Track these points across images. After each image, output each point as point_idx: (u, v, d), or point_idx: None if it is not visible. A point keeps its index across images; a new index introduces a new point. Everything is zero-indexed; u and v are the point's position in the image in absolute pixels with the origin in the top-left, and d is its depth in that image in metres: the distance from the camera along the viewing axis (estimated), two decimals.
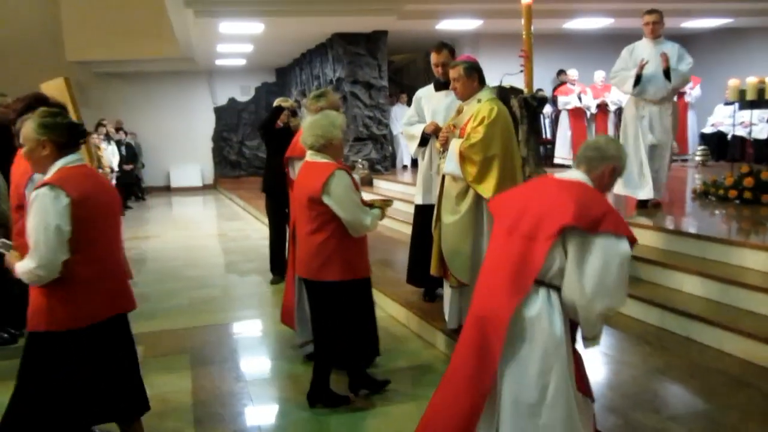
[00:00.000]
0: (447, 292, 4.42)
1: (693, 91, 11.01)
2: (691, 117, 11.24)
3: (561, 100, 11.05)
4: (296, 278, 4.31)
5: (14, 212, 3.66)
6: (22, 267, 2.63)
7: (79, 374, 2.71)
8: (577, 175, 2.50)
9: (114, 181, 12.13)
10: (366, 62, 11.38)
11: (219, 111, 17.82)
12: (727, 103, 10.36)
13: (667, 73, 5.86)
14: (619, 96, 10.81)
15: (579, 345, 2.53)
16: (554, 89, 11.59)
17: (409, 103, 5.64)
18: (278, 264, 6.77)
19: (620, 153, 2.53)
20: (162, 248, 9.24)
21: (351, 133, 11.19)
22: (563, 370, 2.32)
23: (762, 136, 9.39)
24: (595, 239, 2.26)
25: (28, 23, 14.94)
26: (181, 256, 8.61)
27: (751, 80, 6.96)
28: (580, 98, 10.97)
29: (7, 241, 2.88)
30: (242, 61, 15.48)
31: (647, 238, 5.30)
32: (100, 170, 3.67)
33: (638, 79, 5.89)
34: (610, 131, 11.05)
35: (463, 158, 4.01)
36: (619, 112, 10.99)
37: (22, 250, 2.69)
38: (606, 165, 2.48)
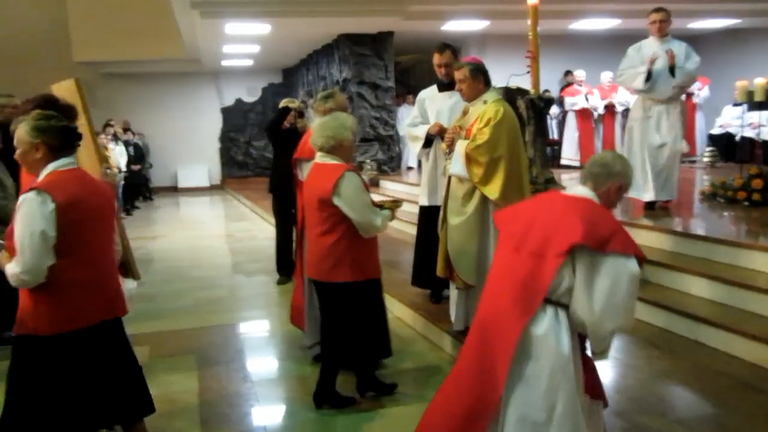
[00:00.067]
0: (453, 293, 4.41)
1: (701, 92, 10.96)
2: (699, 118, 11.19)
3: (568, 100, 11.02)
4: (305, 279, 4.32)
5: None
6: (9, 270, 2.62)
7: (69, 378, 2.68)
8: (583, 191, 2.48)
9: (122, 182, 12.19)
10: (372, 63, 11.38)
11: (226, 111, 17.87)
12: (735, 104, 10.33)
13: (672, 70, 5.82)
14: (626, 97, 10.77)
15: (589, 350, 2.52)
16: (561, 90, 11.57)
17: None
18: (284, 264, 6.78)
19: (627, 170, 2.51)
20: (169, 248, 9.27)
21: (358, 134, 11.19)
22: (571, 389, 2.30)
23: None
24: (604, 259, 2.26)
25: (36, 25, 15.00)
26: (188, 256, 8.63)
27: (760, 81, 6.93)
28: (587, 99, 10.94)
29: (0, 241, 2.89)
30: (249, 62, 15.52)
31: (654, 239, 5.28)
32: (109, 170, 3.65)
33: (650, 75, 5.83)
34: (617, 132, 11.01)
35: (469, 159, 4.00)
36: (627, 112, 10.95)
37: (12, 252, 2.67)
38: (612, 182, 2.47)
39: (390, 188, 10.27)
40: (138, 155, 14.46)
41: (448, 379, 2.57)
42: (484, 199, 4.08)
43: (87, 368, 2.72)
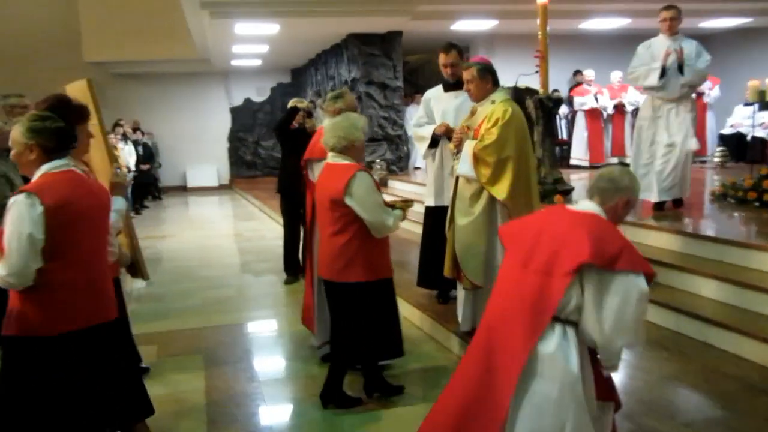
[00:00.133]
0: (460, 294, 4.40)
1: (712, 92, 10.88)
2: (710, 118, 11.11)
3: (577, 100, 10.97)
4: (316, 279, 4.32)
5: None
6: None
7: (57, 381, 2.63)
8: (590, 206, 2.46)
9: (131, 181, 12.24)
10: (381, 63, 11.38)
11: (235, 111, 17.92)
12: (746, 104, 10.24)
13: (681, 69, 5.75)
14: (636, 96, 10.71)
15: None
16: (570, 90, 11.51)
17: None
18: (292, 264, 6.79)
19: (634, 184, 2.49)
20: (178, 248, 9.30)
21: (366, 134, 11.19)
22: (580, 408, 2.27)
23: None
24: (612, 277, 2.24)
25: (46, 25, 15.09)
26: (197, 255, 8.66)
27: None
28: (596, 99, 10.89)
29: None
30: (258, 62, 15.55)
31: (664, 240, 5.24)
32: (119, 170, 3.65)
33: (664, 71, 5.74)
34: (627, 132, 10.95)
35: (477, 160, 3.99)
36: (636, 112, 10.89)
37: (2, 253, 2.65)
38: (620, 197, 2.45)
39: (398, 188, 10.26)
40: (147, 155, 14.52)
41: (451, 387, 2.54)
42: (492, 200, 4.06)
43: (76, 372, 2.67)
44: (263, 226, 11.00)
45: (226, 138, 17.96)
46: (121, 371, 2.89)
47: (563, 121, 11.53)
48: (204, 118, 17.59)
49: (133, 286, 6.25)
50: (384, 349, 3.87)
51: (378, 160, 11.06)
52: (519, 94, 6.60)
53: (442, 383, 3.98)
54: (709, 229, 5.53)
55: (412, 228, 7.86)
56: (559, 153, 10.77)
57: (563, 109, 11.07)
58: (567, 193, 6.85)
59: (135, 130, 14.66)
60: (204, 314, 5.86)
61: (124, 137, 12.99)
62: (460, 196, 4.21)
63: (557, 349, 2.28)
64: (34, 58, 14.93)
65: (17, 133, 2.71)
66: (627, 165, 10.52)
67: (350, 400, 3.79)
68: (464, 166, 4.06)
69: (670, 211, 6.00)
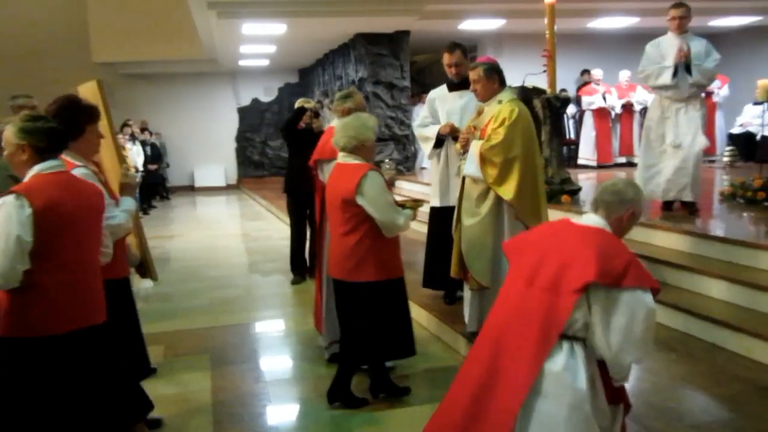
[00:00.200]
0: (467, 294, 4.39)
1: (721, 91, 10.82)
2: (719, 117, 11.05)
3: (585, 100, 10.93)
4: (325, 279, 4.31)
5: None
6: None
7: (44, 384, 2.60)
8: (595, 220, 2.44)
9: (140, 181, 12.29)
10: (388, 62, 11.37)
11: (242, 111, 17.96)
12: (755, 103, 10.16)
13: (689, 68, 5.63)
14: (644, 96, 10.66)
15: None
16: (578, 89, 11.47)
17: None
18: (299, 264, 6.80)
19: (639, 196, 2.47)
20: (185, 248, 9.33)
21: (376, 133, 11.18)
22: (590, 428, 2.26)
23: None
24: (619, 294, 2.23)
25: (56, 26, 15.18)
26: (204, 255, 8.68)
27: None
28: (604, 98, 10.85)
29: None
30: (265, 62, 15.58)
31: (672, 240, 5.21)
32: (129, 171, 3.65)
33: (676, 70, 5.62)
34: (635, 131, 10.90)
35: (484, 160, 3.97)
36: (645, 112, 10.84)
37: None
38: (625, 209, 2.43)
39: (406, 188, 10.25)
40: (155, 155, 14.57)
41: (455, 396, 2.51)
42: (499, 200, 4.05)
43: (63, 374, 2.63)
44: (270, 226, 11.02)
45: (234, 138, 18.00)
46: (112, 374, 2.85)
47: (571, 121, 11.49)
48: (212, 118, 17.63)
49: (140, 285, 6.27)
50: (396, 349, 3.87)
51: (387, 160, 11.04)
52: (526, 94, 6.57)
53: (449, 384, 3.99)
54: (717, 229, 5.49)
55: (418, 228, 7.84)
56: (566, 153, 10.72)
57: (571, 109, 11.02)
58: (574, 193, 6.82)
59: (143, 130, 14.71)
60: (211, 314, 5.87)
61: (132, 137, 13.04)
62: (467, 196, 4.20)
63: (565, 368, 2.26)
64: (43, 58, 15.02)
65: (9, 133, 2.70)
66: (635, 165, 10.49)
67: (357, 401, 3.79)
68: (471, 166, 4.05)
69: (679, 212, 5.92)
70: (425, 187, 9.19)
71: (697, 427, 3.17)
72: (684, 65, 5.63)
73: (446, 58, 4.94)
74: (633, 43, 10.61)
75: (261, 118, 17.99)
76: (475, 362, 2.48)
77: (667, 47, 5.75)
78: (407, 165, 11.68)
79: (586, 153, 10.95)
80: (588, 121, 10.95)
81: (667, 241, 5.25)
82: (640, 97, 10.76)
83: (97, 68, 14.21)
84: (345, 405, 3.77)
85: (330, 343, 4.40)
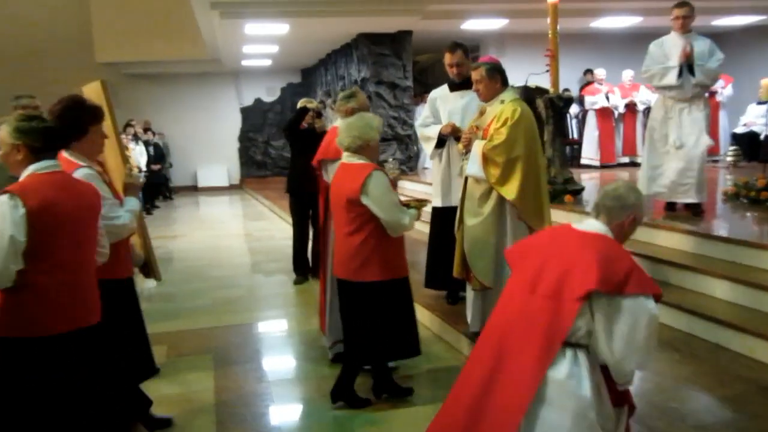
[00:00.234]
0: (469, 295, 4.38)
1: (724, 90, 10.78)
2: (723, 116, 11.01)
3: (588, 99, 10.91)
4: (329, 279, 4.31)
5: None
6: None
7: (37, 385, 2.59)
8: (596, 226, 2.44)
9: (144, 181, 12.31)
10: (391, 62, 11.37)
11: (245, 111, 17.97)
12: (759, 103, 10.15)
13: (691, 68, 5.57)
14: (647, 95, 10.63)
15: None
16: (581, 89, 11.46)
17: None
18: (301, 264, 6.80)
19: (640, 201, 2.47)
20: (188, 248, 9.34)
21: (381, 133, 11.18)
22: None
23: None
24: (621, 301, 2.23)
25: (59, 26, 15.20)
26: (207, 255, 8.69)
27: None
28: (607, 98, 10.82)
29: None
30: (268, 62, 15.59)
31: (675, 241, 5.20)
32: (133, 172, 3.65)
33: (681, 70, 5.54)
34: (639, 131, 10.87)
35: (486, 160, 3.97)
36: (648, 111, 10.81)
37: None
38: (626, 215, 2.43)
39: (408, 188, 10.24)
40: (158, 155, 14.59)
41: (457, 399, 2.51)
42: (501, 200, 4.04)
43: (56, 375, 2.62)
44: (273, 226, 11.03)
45: (237, 138, 18.02)
46: (109, 374, 2.83)
47: (574, 121, 11.48)
48: (215, 118, 17.65)
49: (143, 285, 6.28)
50: (401, 349, 3.86)
51: (391, 159, 11.03)
52: (529, 94, 6.57)
53: (452, 384, 3.98)
54: (721, 229, 5.48)
55: (420, 228, 7.83)
56: (569, 152, 10.71)
57: (574, 109, 11.02)
58: (577, 193, 6.81)
59: (146, 130, 14.74)
60: (214, 314, 5.88)
61: (135, 137, 13.06)
62: (470, 196, 4.20)
63: (568, 376, 2.26)
64: (46, 58, 15.04)
65: (4, 133, 2.69)
66: (638, 165, 10.46)
67: (360, 401, 3.79)
68: (473, 166, 4.04)
69: (683, 212, 5.88)
70: (428, 187, 9.18)
71: (700, 427, 3.17)
72: (687, 65, 5.58)
73: (447, 58, 4.93)
74: (636, 42, 10.58)
75: (264, 118, 18.00)
76: (477, 366, 2.47)
77: (670, 47, 5.70)
78: (410, 165, 11.67)
79: (589, 153, 10.93)
80: (591, 120, 10.93)
81: (671, 241, 5.23)
82: (644, 96, 10.74)
83: (100, 68, 14.24)
84: (348, 405, 3.77)
85: (333, 343, 4.40)
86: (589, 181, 8.71)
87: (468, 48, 5.05)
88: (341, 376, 3.80)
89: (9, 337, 2.58)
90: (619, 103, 10.82)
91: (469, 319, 4.42)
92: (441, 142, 4.95)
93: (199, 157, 17.61)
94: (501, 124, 3.96)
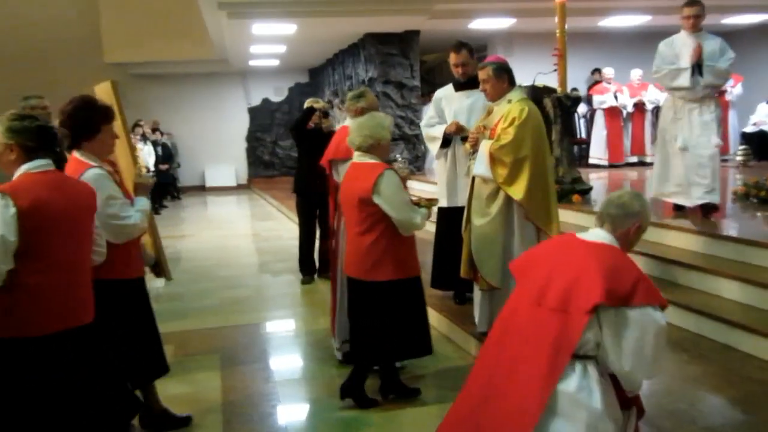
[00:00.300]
0: (477, 295, 4.37)
1: (734, 90, 10.72)
2: (732, 116, 10.95)
3: (596, 99, 10.87)
4: (339, 278, 4.31)
5: None
6: None
7: (29, 385, 2.57)
8: (601, 235, 2.42)
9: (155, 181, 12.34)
10: (398, 62, 11.36)
11: (253, 111, 18.01)
12: None
13: (701, 68, 5.45)
14: (656, 95, 10.59)
15: None
16: (589, 88, 11.41)
17: None
18: (307, 264, 6.79)
19: (644, 209, 2.44)
20: (196, 248, 9.36)
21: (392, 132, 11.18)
22: None
23: None
24: (628, 313, 2.21)
25: (68, 27, 15.28)
26: (215, 255, 8.71)
27: None
28: (616, 97, 10.78)
29: None
30: (275, 62, 15.61)
31: (684, 240, 5.17)
32: (144, 172, 3.65)
33: (694, 69, 5.42)
34: (647, 130, 10.84)
35: (494, 160, 3.95)
36: (657, 110, 10.77)
37: None
38: (631, 223, 2.41)
39: (416, 188, 10.22)
40: (166, 155, 14.64)
41: (464, 404, 2.50)
42: (509, 200, 4.03)
43: (56, 374, 2.61)
44: (281, 225, 11.04)
45: (245, 138, 18.06)
46: (100, 375, 2.81)
47: (582, 120, 11.44)
48: (222, 118, 17.70)
49: (151, 285, 6.28)
50: (413, 348, 3.84)
51: (400, 158, 11.02)
52: (537, 93, 6.55)
53: (459, 384, 3.95)
54: (730, 229, 5.44)
55: (426, 228, 7.82)
56: (577, 152, 10.67)
57: (582, 108, 10.98)
58: (585, 192, 6.78)
59: (154, 130, 14.79)
60: (221, 314, 5.89)
61: (144, 138, 13.11)
62: (477, 196, 4.18)
63: (579, 388, 2.24)
64: (55, 59, 15.13)
65: None
66: (647, 164, 10.41)
67: (367, 400, 3.79)
68: (480, 166, 4.03)
69: (693, 212, 5.79)
70: (436, 187, 9.17)
71: (709, 429, 3.15)
72: (696, 65, 5.47)
73: (452, 58, 4.91)
74: (645, 41, 10.54)
75: (271, 118, 18.04)
76: (483, 379, 2.45)
77: (680, 46, 5.58)
78: (417, 165, 11.65)
79: (598, 152, 10.89)
80: (599, 120, 10.89)
81: (679, 241, 5.20)
82: (652, 95, 10.69)
83: (109, 69, 14.29)
84: (356, 402, 3.77)
85: (343, 342, 4.39)
86: (597, 181, 8.67)
87: (473, 47, 5.02)
88: (352, 375, 3.80)
89: (3, 337, 2.55)
90: (627, 103, 10.78)
91: (476, 320, 4.41)
92: (446, 142, 4.93)
93: (206, 157, 17.66)
94: (508, 123, 3.95)
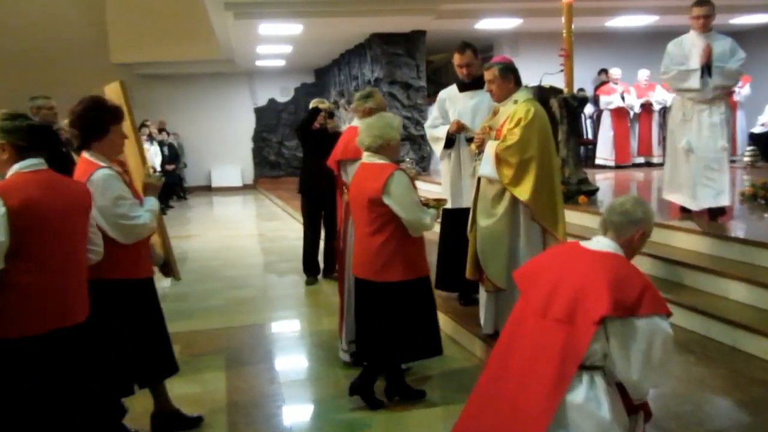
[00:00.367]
0: (482, 296, 4.36)
1: (742, 90, 10.66)
2: (740, 116, 10.89)
3: (603, 99, 10.83)
4: (347, 280, 4.30)
5: None
6: None
7: (18, 385, 2.56)
8: (605, 244, 2.40)
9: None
10: (404, 62, 11.35)
11: (259, 112, 18.04)
12: None
13: (710, 69, 5.36)
14: (663, 95, 10.54)
15: None
16: (596, 89, 11.37)
17: None
18: (312, 265, 6.79)
19: (648, 215, 2.42)
20: (202, 248, 9.38)
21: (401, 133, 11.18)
22: None
23: None
24: (635, 323, 2.20)
25: (74, 27, 15.34)
26: (221, 255, 8.72)
27: None
28: (623, 98, 10.74)
29: None
30: (281, 62, 15.63)
31: (691, 242, 5.14)
32: (153, 173, 3.65)
33: (703, 71, 5.33)
34: (655, 131, 10.80)
35: (499, 161, 3.94)
36: (664, 111, 10.72)
37: None
38: (635, 230, 2.39)
39: (423, 189, 10.21)
40: (172, 155, 14.67)
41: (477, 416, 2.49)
42: (515, 201, 4.02)
43: (48, 374, 2.60)
44: (286, 226, 11.05)
45: (251, 138, 18.09)
46: (90, 375, 2.80)
47: (588, 121, 11.40)
48: (229, 118, 17.74)
49: (157, 285, 6.30)
50: (423, 348, 3.83)
51: (407, 159, 11.01)
52: (543, 94, 6.53)
53: (465, 386, 3.95)
54: (737, 230, 5.40)
55: (435, 228, 7.82)
56: (584, 153, 10.64)
57: (588, 109, 10.93)
58: (591, 193, 6.76)
59: (161, 130, 14.83)
60: (227, 314, 5.90)
61: (150, 138, 13.15)
62: (483, 196, 4.17)
63: (587, 399, 2.23)
64: (62, 59, 15.19)
65: None
66: (653, 165, 10.37)
67: (376, 401, 3.78)
68: (486, 167, 4.02)
69: (700, 215, 5.72)
70: (440, 188, 9.16)
71: (716, 431, 3.12)
72: (705, 66, 5.37)
73: (457, 59, 4.89)
74: (652, 41, 10.50)
75: (277, 118, 18.06)
76: (491, 391, 2.43)
77: (690, 47, 5.48)
78: (422, 165, 11.64)
79: (604, 153, 10.85)
80: (606, 120, 10.85)
81: (686, 242, 5.18)
82: (660, 96, 10.64)
83: (115, 69, 14.33)
84: (364, 402, 3.76)
85: (350, 343, 4.37)
86: (603, 182, 8.65)
87: (477, 48, 5.00)
88: (363, 374, 3.80)
89: None
90: (634, 103, 10.74)
91: (482, 321, 4.39)
92: (450, 143, 4.91)
93: (213, 157, 17.70)
94: (514, 124, 3.94)
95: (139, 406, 3.62)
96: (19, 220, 2.51)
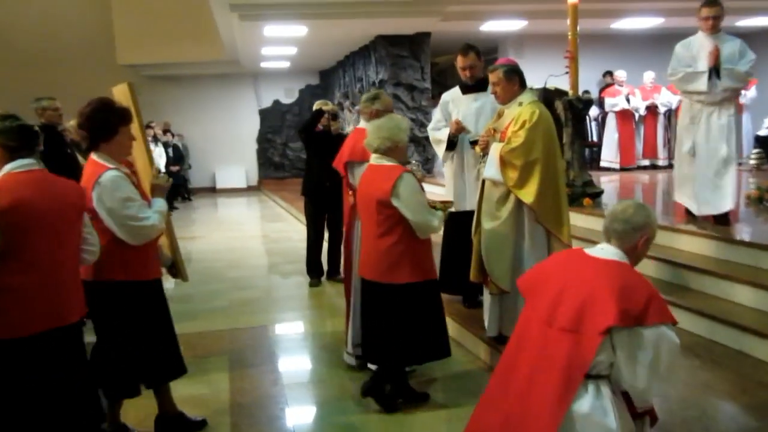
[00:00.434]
0: (487, 299, 4.34)
1: (748, 92, 10.60)
2: (746, 119, 10.83)
3: (608, 101, 10.81)
4: (353, 282, 4.29)
5: None
6: None
7: (19, 385, 2.56)
8: (610, 251, 2.38)
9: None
10: (409, 64, 11.35)
11: (263, 113, 18.05)
12: None
13: (718, 71, 5.28)
14: (669, 98, 10.52)
15: None
16: (601, 91, 11.35)
17: None
18: (315, 267, 6.78)
19: (650, 220, 2.39)
20: (206, 249, 9.39)
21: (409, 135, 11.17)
22: None
23: None
24: (642, 333, 2.19)
25: (81, 28, 15.39)
26: (225, 257, 8.73)
27: None
28: (628, 100, 10.71)
29: None
30: (286, 64, 15.64)
31: (698, 245, 5.12)
32: (160, 174, 3.66)
33: (711, 73, 5.26)
34: (660, 133, 10.77)
35: (504, 163, 3.93)
36: (669, 113, 10.70)
37: None
38: (639, 236, 2.37)
39: (428, 191, 10.19)
40: (177, 156, 14.69)
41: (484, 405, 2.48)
42: (519, 203, 4.00)
43: (40, 374, 2.59)
44: (290, 227, 11.05)
45: (255, 139, 18.10)
46: (80, 376, 2.79)
47: (593, 123, 11.37)
48: (233, 119, 17.75)
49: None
50: (432, 350, 3.82)
51: (414, 161, 10.99)
52: (548, 96, 6.51)
53: (468, 389, 3.95)
54: (743, 233, 5.37)
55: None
56: (588, 155, 10.61)
57: (593, 111, 10.92)
58: (596, 196, 6.74)
59: (165, 131, 14.86)
60: (231, 316, 5.89)
61: (155, 139, 13.18)
62: (487, 199, 4.16)
63: (593, 408, 2.22)
64: (68, 60, 15.24)
65: None
66: (659, 167, 10.34)
67: (391, 404, 3.76)
68: (491, 169, 4.01)
69: (704, 218, 5.68)
70: (443, 189, 9.14)
71: None
72: (714, 68, 5.29)
73: (460, 61, 4.86)
74: (657, 43, 10.48)
75: (282, 119, 18.08)
76: (497, 400, 2.42)
77: (698, 49, 5.41)
78: (427, 167, 11.63)
79: (609, 155, 10.82)
80: (611, 123, 10.82)
81: (692, 245, 5.15)
82: (665, 98, 10.61)
83: (121, 70, 14.36)
84: (377, 403, 3.76)
85: (355, 346, 4.35)
86: (608, 184, 8.62)
87: (480, 50, 4.98)
88: (375, 376, 3.80)
89: None
90: (639, 105, 10.71)
91: (486, 324, 4.37)
92: (452, 145, 4.90)
93: (217, 158, 17.72)
94: (519, 126, 3.92)
95: (142, 408, 3.62)
96: (9, 221, 2.50)
